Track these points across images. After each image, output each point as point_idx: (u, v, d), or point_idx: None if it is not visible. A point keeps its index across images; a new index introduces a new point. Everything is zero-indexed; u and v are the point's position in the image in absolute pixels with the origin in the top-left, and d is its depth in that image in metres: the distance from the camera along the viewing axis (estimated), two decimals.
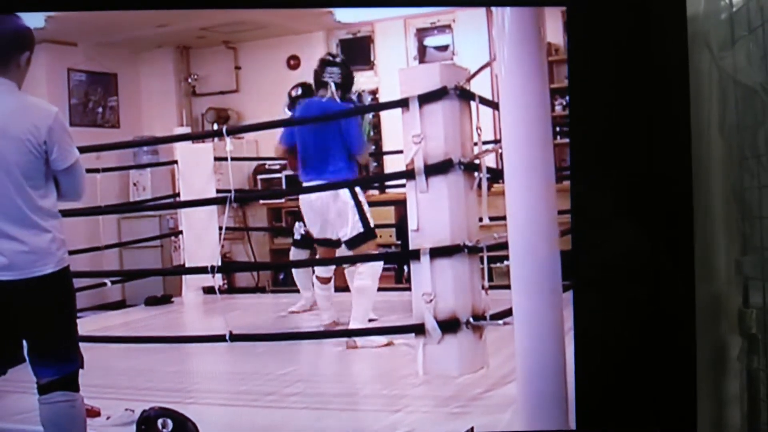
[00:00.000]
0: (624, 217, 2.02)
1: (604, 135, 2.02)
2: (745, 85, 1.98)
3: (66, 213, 4.41)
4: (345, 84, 3.21)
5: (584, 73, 2.02)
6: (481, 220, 2.56)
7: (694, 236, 2.00)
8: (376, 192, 4.87)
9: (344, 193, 3.20)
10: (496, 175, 2.58)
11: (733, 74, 2.00)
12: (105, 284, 4.01)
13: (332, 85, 3.19)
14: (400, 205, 4.40)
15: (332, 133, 3.20)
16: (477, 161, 2.51)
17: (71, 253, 4.29)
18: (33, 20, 4.49)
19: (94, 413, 2.35)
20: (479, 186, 2.51)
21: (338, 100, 3.21)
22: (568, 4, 2.07)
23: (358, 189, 3.26)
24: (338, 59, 3.26)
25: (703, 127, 2.09)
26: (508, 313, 2.16)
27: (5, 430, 2.33)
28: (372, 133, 5.03)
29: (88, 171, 4.22)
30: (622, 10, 2.00)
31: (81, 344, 3.10)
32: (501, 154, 2.15)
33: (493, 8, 2.11)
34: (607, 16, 2.01)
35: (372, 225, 3.23)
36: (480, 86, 2.76)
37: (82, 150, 3.82)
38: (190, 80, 5.50)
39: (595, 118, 2.02)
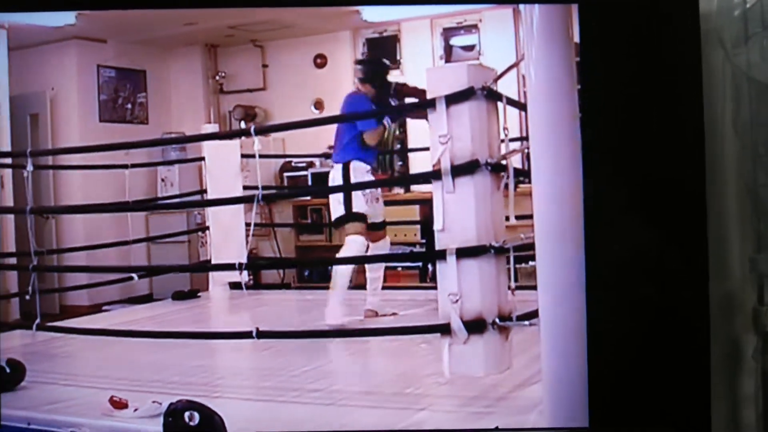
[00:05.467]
0: (636, 215, 2.01)
1: (616, 133, 2.01)
2: (759, 81, 1.97)
3: (96, 208, 4.53)
4: (368, 79, 3.46)
5: (596, 71, 2.01)
6: (507, 219, 2.55)
7: (707, 234, 1.99)
8: (401, 190, 4.89)
9: (337, 175, 3.45)
10: (522, 175, 2.57)
11: (746, 71, 1.99)
12: (132, 278, 4.06)
13: (356, 80, 3.53)
14: (425, 203, 4.43)
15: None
16: (504, 162, 2.50)
17: (101, 246, 4.40)
18: (64, 17, 4.59)
19: (122, 405, 2.38)
20: (506, 186, 2.50)
21: (361, 90, 3.48)
22: (579, 1, 2.04)
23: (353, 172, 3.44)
24: (363, 56, 3.55)
25: (717, 125, 2.08)
26: (535, 314, 2.15)
27: (35, 420, 2.36)
28: (398, 132, 5.06)
29: (117, 167, 4.34)
30: (634, 8, 1.99)
31: (109, 338, 3.19)
32: (527, 155, 2.15)
33: (522, 8, 2.10)
34: (618, 13, 2.00)
35: (354, 209, 3.40)
36: (506, 87, 2.75)
37: (112, 147, 3.93)
38: (217, 78, 5.55)
39: (606, 116, 2.02)
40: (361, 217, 3.42)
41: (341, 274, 3.39)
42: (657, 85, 1.99)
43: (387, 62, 3.62)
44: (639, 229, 2.01)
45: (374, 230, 3.56)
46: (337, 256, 3.47)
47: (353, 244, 3.40)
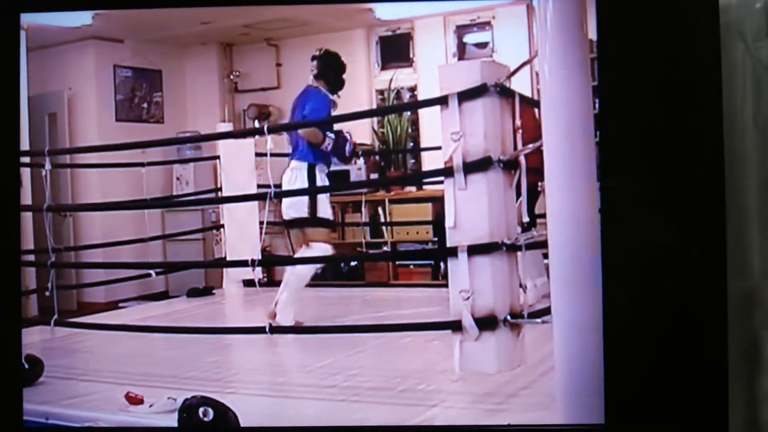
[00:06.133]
0: (654, 210, 1.99)
1: (633, 128, 1.99)
2: None
3: (112, 206, 4.56)
4: (321, 74, 3.52)
5: (613, 65, 1.99)
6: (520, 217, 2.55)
7: (726, 230, 1.96)
8: (413, 188, 4.88)
9: (302, 176, 3.44)
10: (535, 173, 2.56)
11: (767, 64, 1.96)
12: (149, 275, 4.10)
13: (311, 77, 3.58)
14: (437, 201, 4.43)
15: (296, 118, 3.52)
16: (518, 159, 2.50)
17: (118, 244, 4.45)
18: (81, 17, 4.63)
19: (137, 401, 2.41)
20: (518, 184, 2.50)
21: (321, 89, 3.52)
22: None
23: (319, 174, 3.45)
24: (316, 53, 3.59)
25: (736, 119, 2.04)
26: (547, 311, 2.15)
27: (53, 414, 2.39)
28: (411, 130, 5.05)
29: (134, 165, 4.38)
30: (653, 1, 1.97)
31: (126, 333, 3.22)
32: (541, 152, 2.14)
33: (535, 3, 2.09)
34: (636, 6, 1.97)
35: (320, 214, 3.41)
36: (519, 84, 2.74)
37: (128, 146, 3.97)
38: (232, 77, 5.58)
39: (624, 110, 1.99)
40: (327, 223, 3.44)
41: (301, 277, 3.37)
42: (675, 78, 1.96)
43: (343, 60, 3.64)
44: (656, 225, 1.98)
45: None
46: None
47: (320, 251, 3.41)
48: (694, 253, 1.97)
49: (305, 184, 3.44)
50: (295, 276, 3.38)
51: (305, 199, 3.41)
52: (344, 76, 3.60)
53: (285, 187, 3.52)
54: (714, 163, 1.96)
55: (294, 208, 3.45)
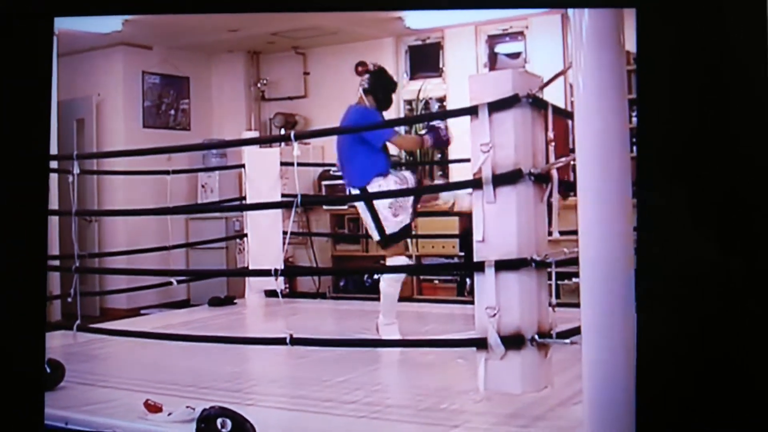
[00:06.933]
0: (695, 229, 1.92)
1: (675, 141, 1.93)
2: None
3: (138, 212, 4.58)
4: (372, 90, 3.36)
5: (655, 76, 1.93)
6: (550, 234, 2.47)
7: None
8: (440, 202, 4.82)
9: (362, 206, 3.31)
10: (568, 187, 2.49)
11: None
12: (171, 283, 4.10)
13: (361, 91, 3.38)
14: (465, 215, 4.36)
15: (350, 138, 3.33)
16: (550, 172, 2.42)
17: (141, 251, 4.45)
18: (112, 23, 4.68)
19: (156, 409, 2.38)
20: (549, 198, 2.42)
21: (368, 105, 3.37)
22: (637, 4, 1.96)
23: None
24: (369, 67, 3.42)
25: None
26: (576, 331, 2.07)
27: (72, 420, 2.38)
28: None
29: (159, 173, 4.39)
30: (697, 10, 1.90)
31: (147, 340, 3.21)
32: (574, 166, 2.08)
33: (570, 13, 2.03)
34: (679, 16, 1.91)
35: (388, 231, 3.27)
36: (553, 95, 2.68)
37: (155, 151, 3.98)
38: (259, 85, 5.59)
39: (665, 122, 1.93)
40: (396, 238, 3.29)
41: (388, 299, 3.28)
42: (721, 91, 1.90)
43: (395, 79, 3.52)
44: (696, 243, 1.91)
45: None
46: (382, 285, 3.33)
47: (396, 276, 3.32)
48: (738, 272, 1.89)
49: (368, 213, 3.26)
50: (382, 295, 3.29)
51: (372, 223, 3.26)
52: (393, 96, 3.48)
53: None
54: (758, 176, 1.88)
55: (371, 232, 3.33)
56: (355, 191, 3.36)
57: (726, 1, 1.91)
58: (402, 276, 3.33)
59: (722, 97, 1.91)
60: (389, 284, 3.30)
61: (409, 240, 4.69)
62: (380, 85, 3.38)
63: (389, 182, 3.31)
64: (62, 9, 2.30)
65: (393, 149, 3.62)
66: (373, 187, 3.30)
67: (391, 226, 3.28)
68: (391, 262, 3.37)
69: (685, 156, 1.92)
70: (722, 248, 1.90)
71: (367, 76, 3.39)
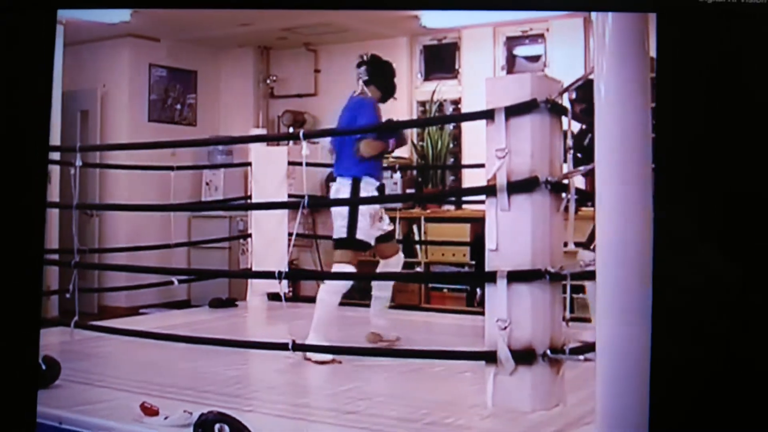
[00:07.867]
0: (716, 244, 1.87)
1: (695, 152, 1.88)
2: None
3: (140, 208, 4.52)
4: (373, 80, 3.30)
5: (675, 85, 1.87)
6: (566, 245, 2.39)
7: None
8: (451, 207, 4.73)
9: (345, 191, 3.21)
10: (585, 197, 2.41)
11: None
12: (172, 282, 4.04)
13: (361, 83, 3.32)
14: (477, 222, 4.28)
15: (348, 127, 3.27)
16: (566, 181, 2.34)
17: (143, 248, 4.38)
18: (119, 14, 4.62)
19: (152, 412, 2.33)
20: (566, 208, 2.34)
21: (371, 97, 3.29)
22: (658, 10, 1.89)
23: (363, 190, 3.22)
24: (363, 58, 3.35)
25: None
26: (591, 347, 1.99)
27: (66, 419, 2.34)
28: (452, 145, 4.91)
29: (163, 168, 4.33)
30: (718, 16, 1.85)
31: (145, 340, 3.16)
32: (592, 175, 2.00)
33: (594, 17, 1.96)
34: (701, 22, 1.87)
35: (358, 236, 3.15)
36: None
37: (159, 145, 3.92)
38: (268, 81, 5.52)
39: (685, 132, 1.88)
40: (361, 246, 3.17)
41: (324, 309, 3.10)
42: (742, 101, 1.85)
43: (392, 64, 3.42)
44: (717, 259, 1.86)
45: (384, 242, 3.32)
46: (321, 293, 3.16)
47: (338, 284, 3.14)
48: (759, 288, 1.84)
49: (347, 210, 3.14)
50: (318, 302, 3.12)
51: (345, 215, 3.14)
52: (396, 80, 3.39)
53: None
54: None
55: (336, 227, 3.20)
56: (345, 180, 3.22)
57: (747, 7, 1.85)
58: (346, 287, 3.13)
59: (748, 108, 1.85)
60: (331, 292, 3.10)
61: (418, 247, 4.62)
62: (379, 73, 3.32)
63: (372, 189, 3.23)
64: (65, 0, 2.27)
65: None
66: (364, 185, 3.21)
67: (364, 233, 3.16)
68: (337, 268, 3.19)
69: (705, 167, 1.87)
70: (743, 264, 1.85)
71: (363, 68, 3.31)
